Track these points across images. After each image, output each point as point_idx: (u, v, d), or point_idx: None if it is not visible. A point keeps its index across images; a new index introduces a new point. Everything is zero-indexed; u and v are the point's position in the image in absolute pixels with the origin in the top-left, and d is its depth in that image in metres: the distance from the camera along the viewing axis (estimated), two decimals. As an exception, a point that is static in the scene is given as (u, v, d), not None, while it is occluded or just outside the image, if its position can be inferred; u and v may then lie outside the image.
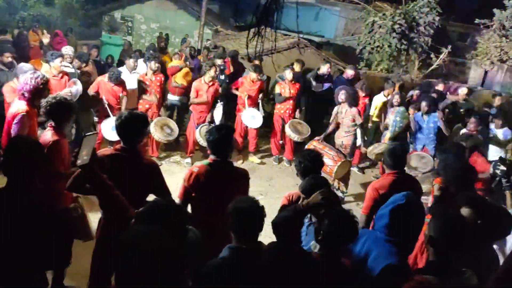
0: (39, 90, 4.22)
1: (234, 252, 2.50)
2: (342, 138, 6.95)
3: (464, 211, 2.83)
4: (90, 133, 2.85)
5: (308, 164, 3.51)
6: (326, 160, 6.16)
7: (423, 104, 7.34)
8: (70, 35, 13.18)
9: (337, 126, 7.05)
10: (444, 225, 2.37)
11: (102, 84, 6.86)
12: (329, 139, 7.24)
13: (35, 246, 2.48)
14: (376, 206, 3.42)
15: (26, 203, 2.51)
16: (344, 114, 6.90)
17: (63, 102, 3.87)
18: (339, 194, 6.64)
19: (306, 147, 6.53)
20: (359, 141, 7.16)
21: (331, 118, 7.17)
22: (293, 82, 7.94)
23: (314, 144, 6.57)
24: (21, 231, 2.43)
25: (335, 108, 7.10)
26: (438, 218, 2.42)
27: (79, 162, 2.73)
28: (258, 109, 7.89)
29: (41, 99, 4.15)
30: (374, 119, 8.53)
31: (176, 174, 7.11)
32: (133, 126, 3.28)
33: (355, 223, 2.57)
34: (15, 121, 4.11)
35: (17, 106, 4.22)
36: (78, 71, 7.48)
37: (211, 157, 3.45)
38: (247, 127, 7.83)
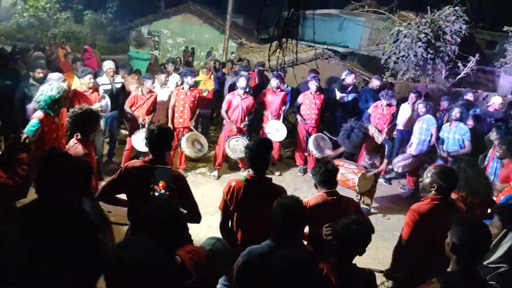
0: (56, 99, 4.47)
1: (276, 243, 2.65)
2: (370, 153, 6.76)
3: (495, 218, 2.80)
4: (162, 166, 3.00)
5: (324, 173, 3.49)
6: (347, 174, 6.12)
7: (456, 110, 7.04)
8: (94, 50, 13.49)
9: None
10: (467, 232, 2.35)
11: (136, 98, 7.05)
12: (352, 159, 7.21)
13: (71, 259, 2.48)
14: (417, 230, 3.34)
15: (63, 217, 2.54)
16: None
17: (88, 112, 3.99)
18: (364, 207, 6.55)
19: None
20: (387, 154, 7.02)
21: None
22: (317, 93, 7.94)
23: (336, 163, 6.37)
24: (58, 244, 2.45)
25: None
26: (461, 226, 2.40)
27: (156, 194, 2.84)
28: (282, 121, 7.90)
29: (60, 109, 4.49)
30: (400, 128, 8.44)
31: (201, 185, 7.17)
32: (162, 139, 3.44)
33: (367, 234, 2.67)
34: (28, 124, 4.40)
35: (35, 114, 4.52)
36: (119, 86, 7.61)
37: (250, 172, 3.51)
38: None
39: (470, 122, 7.29)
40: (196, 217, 3.41)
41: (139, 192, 3.32)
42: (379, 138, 6.34)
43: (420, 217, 3.35)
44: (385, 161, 6.43)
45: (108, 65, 7.45)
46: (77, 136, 3.95)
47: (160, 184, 2.98)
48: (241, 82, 7.36)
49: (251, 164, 3.48)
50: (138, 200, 3.30)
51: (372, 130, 6.37)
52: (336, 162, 6.29)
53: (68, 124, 4.07)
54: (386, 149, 6.42)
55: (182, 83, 7.69)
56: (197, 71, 10.68)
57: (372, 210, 6.86)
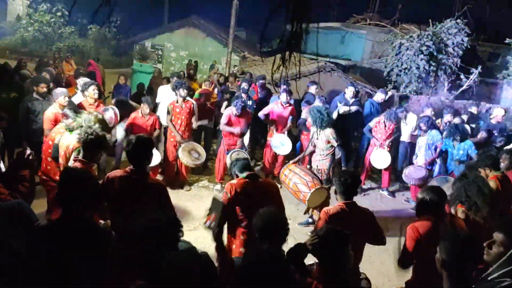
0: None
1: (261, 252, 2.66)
2: (317, 162, 6.39)
3: (497, 236, 2.72)
4: (218, 199, 3.22)
5: (346, 184, 3.61)
6: (300, 185, 5.70)
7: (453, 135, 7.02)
8: (98, 64, 13.56)
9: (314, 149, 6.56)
10: (455, 247, 2.35)
11: (136, 119, 7.04)
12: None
13: (93, 275, 2.51)
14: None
15: (85, 233, 2.55)
16: (318, 135, 6.34)
17: (98, 138, 4.02)
18: (311, 220, 6.49)
19: (282, 170, 6.18)
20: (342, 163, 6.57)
21: (310, 140, 6.66)
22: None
23: (291, 168, 6.05)
24: (79, 260, 2.46)
25: (312, 129, 6.60)
26: (449, 241, 2.40)
27: (207, 224, 3.16)
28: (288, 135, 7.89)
29: None
30: (406, 140, 8.44)
31: (204, 198, 7.15)
32: (141, 149, 3.50)
33: (343, 241, 2.58)
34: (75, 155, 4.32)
35: (71, 140, 4.50)
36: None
37: (246, 172, 3.97)
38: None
39: (484, 134, 7.34)
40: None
41: (120, 202, 3.39)
42: (336, 142, 6.15)
43: (419, 234, 3.38)
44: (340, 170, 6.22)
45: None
46: (76, 157, 3.96)
47: (213, 216, 3.06)
48: (236, 109, 7.18)
49: (244, 168, 4.01)
50: (120, 211, 3.39)
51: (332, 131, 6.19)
52: (292, 166, 6.10)
53: (79, 144, 4.08)
54: (341, 157, 6.29)
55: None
56: (200, 84, 10.74)
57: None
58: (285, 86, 8.05)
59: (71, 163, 4.05)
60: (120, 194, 3.39)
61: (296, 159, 6.43)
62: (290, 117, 7.94)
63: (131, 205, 3.29)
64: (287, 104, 7.89)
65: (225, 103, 8.59)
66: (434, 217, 3.47)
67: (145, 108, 7.01)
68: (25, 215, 2.57)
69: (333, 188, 3.91)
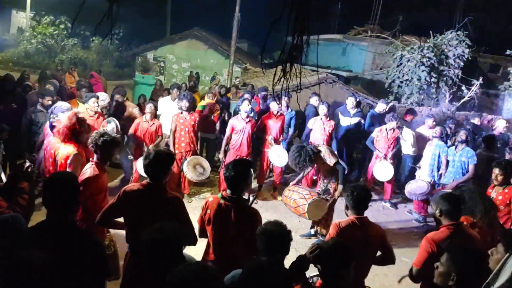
0: (77, 129, 4.46)
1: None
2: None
3: (500, 246, 2.73)
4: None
5: (357, 198, 3.52)
6: (298, 200, 5.75)
7: (461, 132, 7.00)
8: (100, 76, 13.61)
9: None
10: (469, 261, 2.33)
11: (141, 125, 7.08)
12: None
13: (77, 280, 2.47)
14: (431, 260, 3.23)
15: (67, 237, 2.54)
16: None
17: (111, 138, 4.09)
18: (320, 237, 6.30)
19: (283, 193, 6.15)
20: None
21: None
22: (328, 119, 7.84)
23: (290, 188, 6.09)
24: (64, 264, 2.43)
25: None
26: (455, 253, 2.38)
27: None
28: (285, 146, 7.88)
29: (84, 136, 4.41)
30: (409, 152, 8.42)
31: (206, 210, 7.12)
32: (160, 164, 3.42)
33: (347, 252, 2.57)
34: (68, 162, 4.31)
35: (66, 149, 4.43)
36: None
37: (227, 191, 3.52)
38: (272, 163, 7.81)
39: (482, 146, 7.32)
40: (191, 240, 3.37)
41: (136, 216, 3.34)
42: (331, 161, 5.84)
43: (436, 247, 3.27)
44: (340, 187, 5.85)
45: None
46: (92, 159, 4.02)
47: None
48: (244, 106, 7.35)
49: (229, 184, 3.49)
50: (136, 224, 3.33)
51: (323, 152, 5.88)
52: (292, 187, 6.13)
53: (92, 147, 4.10)
54: (338, 173, 5.89)
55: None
56: (202, 95, 10.77)
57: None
58: (271, 97, 8.04)
59: (87, 166, 4.02)
60: (137, 208, 3.34)
61: (296, 180, 6.41)
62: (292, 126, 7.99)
63: (148, 219, 3.14)
64: (279, 114, 7.83)
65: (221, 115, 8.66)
66: (454, 226, 3.35)
67: (148, 109, 7.12)
68: (17, 229, 2.54)
69: (343, 203, 3.78)
